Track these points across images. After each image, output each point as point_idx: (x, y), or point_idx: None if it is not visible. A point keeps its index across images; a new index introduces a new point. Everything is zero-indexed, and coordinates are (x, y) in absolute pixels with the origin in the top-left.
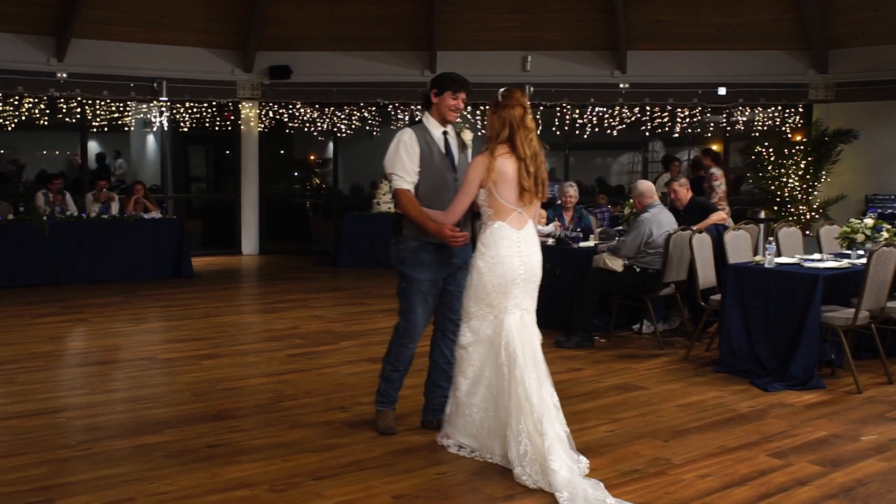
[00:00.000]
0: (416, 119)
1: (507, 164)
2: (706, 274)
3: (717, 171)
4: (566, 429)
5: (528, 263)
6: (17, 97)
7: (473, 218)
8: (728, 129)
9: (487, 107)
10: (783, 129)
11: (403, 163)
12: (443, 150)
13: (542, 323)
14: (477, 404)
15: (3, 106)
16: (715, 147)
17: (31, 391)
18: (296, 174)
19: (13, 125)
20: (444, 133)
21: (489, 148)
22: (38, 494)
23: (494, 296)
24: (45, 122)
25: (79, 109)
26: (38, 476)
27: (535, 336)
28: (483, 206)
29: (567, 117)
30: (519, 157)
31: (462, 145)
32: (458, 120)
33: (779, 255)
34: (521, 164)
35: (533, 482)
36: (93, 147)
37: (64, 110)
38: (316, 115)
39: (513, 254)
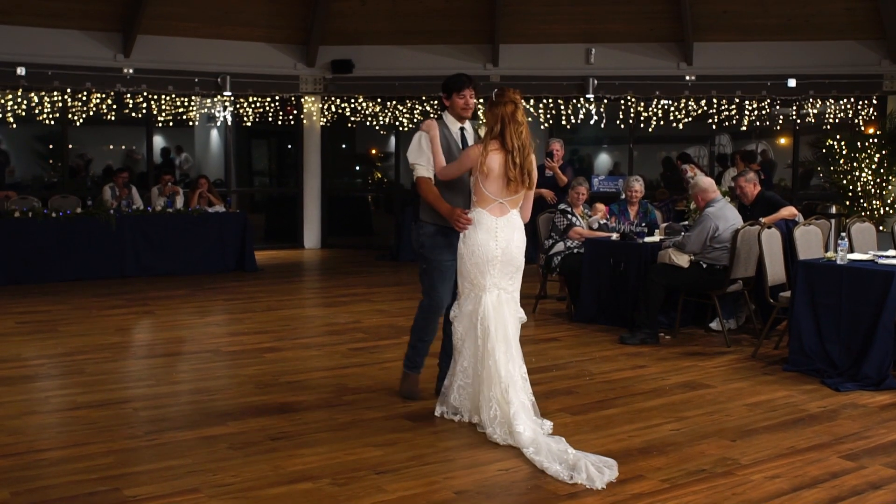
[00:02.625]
0: (438, 115)
1: (495, 160)
2: (775, 270)
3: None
4: (531, 398)
5: (505, 248)
6: (84, 93)
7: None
8: (798, 121)
9: (485, 105)
10: (856, 121)
11: (424, 153)
12: (459, 144)
13: (605, 318)
14: (458, 372)
15: (71, 101)
16: (783, 140)
17: (99, 382)
18: (357, 168)
19: (81, 120)
20: (462, 129)
21: (484, 141)
22: (105, 483)
23: (474, 275)
24: (112, 118)
25: (144, 105)
26: (106, 465)
27: (512, 314)
28: (472, 192)
29: (631, 111)
30: (507, 150)
31: (478, 139)
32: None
33: (851, 251)
34: (508, 156)
35: (503, 440)
36: (158, 142)
37: (130, 105)
38: (378, 109)
39: (489, 238)
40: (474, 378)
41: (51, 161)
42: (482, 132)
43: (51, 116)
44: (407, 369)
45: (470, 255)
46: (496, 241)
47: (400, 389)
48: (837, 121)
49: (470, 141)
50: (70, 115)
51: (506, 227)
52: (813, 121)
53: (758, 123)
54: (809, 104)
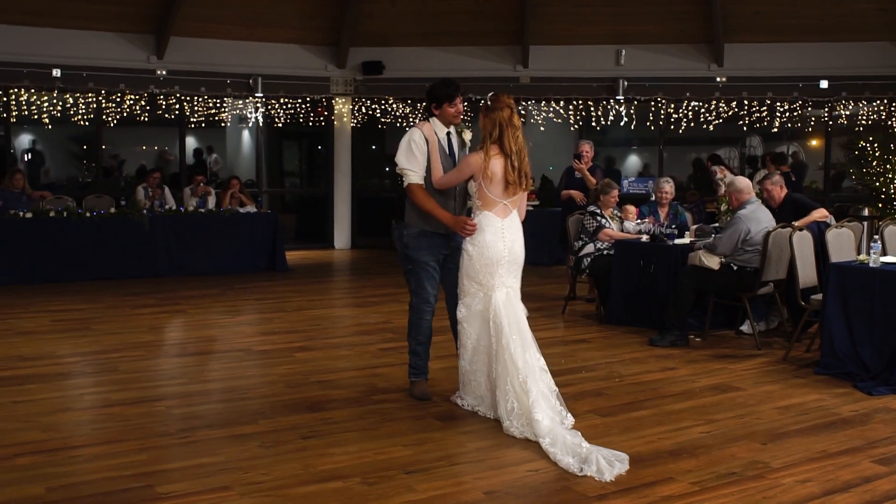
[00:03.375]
0: (426, 118)
1: (497, 165)
2: (807, 273)
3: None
4: (553, 388)
5: (511, 248)
6: (118, 94)
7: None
8: (830, 123)
9: (480, 110)
10: (889, 123)
11: (415, 159)
12: (447, 149)
13: (635, 320)
14: (478, 370)
15: (105, 103)
16: (815, 142)
17: (133, 380)
18: (387, 169)
19: (115, 121)
20: (448, 134)
21: (484, 147)
22: (138, 480)
23: (483, 275)
24: (146, 119)
25: (177, 106)
26: (139, 462)
27: (520, 309)
28: (473, 197)
29: (662, 112)
30: (506, 154)
31: (462, 144)
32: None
33: (884, 253)
34: (507, 161)
35: (520, 433)
36: (190, 143)
37: (163, 107)
38: (408, 111)
39: (497, 239)
40: (490, 374)
41: (85, 161)
42: (466, 137)
43: (85, 117)
44: (413, 377)
45: (479, 257)
46: (504, 241)
47: (413, 394)
48: (870, 122)
49: (456, 146)
50: (104, 116)
51: (510, 227)
52: (845, 122)
53: (789, 125)
54: (841, 105)
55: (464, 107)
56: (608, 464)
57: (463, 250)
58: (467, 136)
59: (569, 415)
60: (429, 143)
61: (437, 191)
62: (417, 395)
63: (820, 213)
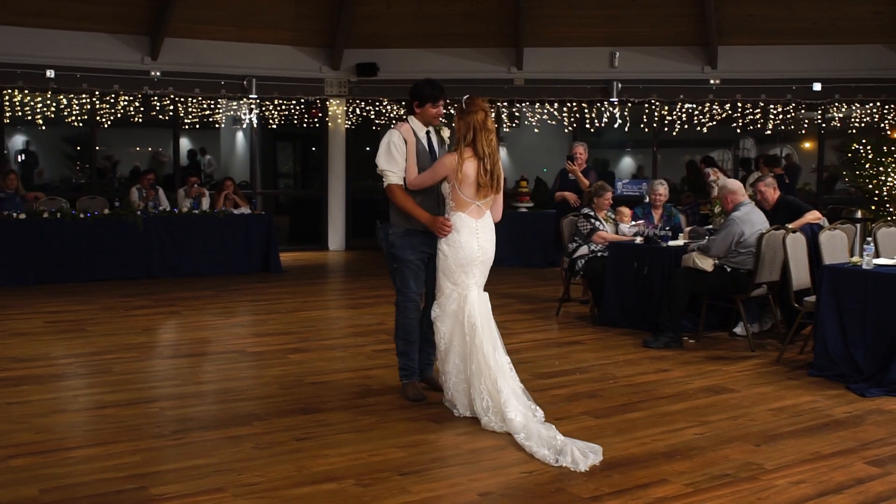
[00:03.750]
0: (404, 118)
1: (470, 167)
2: (800, 275)
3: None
4: (520, 385)
5: (485, 248)
6: (112, 95)
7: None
8: (823, 125)
9: (454, 113)
10: (882, 125)
11: (395, 160)
12: (426, 147)
13: (629, 322)
14: (450, 370)
15: (99, 104)
16: (808, 144)
17: (126, 381)
18: None
19: (109, 122)
20: (428, 133)
21: (458, 149)
22: (132, 482)
23: (458, 274)
24: (140, 120)
25: (171, 107)
26: (133, 464)
27: (489, 308)
28: (447, 198)
29: (656, 114)
30: (479, 157)
31: (441, 141)
32: (443, 120)
33: (877, 255)
34: (480, 163)
35: (499, 427)
36: (184, 144)
37: (157, 108)
38: (402, 112)
39: (472, 239)
40: (464, 373)
41: (79, 163)
42: (444, 134)
43: (79, 118)
44: (404, 379)
45: (454, 257)
46: (478, 241)
47: (406, 396)
48: (863, 125)
49: (436, 145)
50: (98, 117)
51: (484, 228)
52: (838, 125)
53: (782, 127)
54: (835, 108)
55: (444, 110)
56: (582, 455)
57: (439, 250)
58: (446, 133)
59: (538, 409)
60: (407, 144)
61: (419, 191)
62: (410, 397)
63: (812, 216)
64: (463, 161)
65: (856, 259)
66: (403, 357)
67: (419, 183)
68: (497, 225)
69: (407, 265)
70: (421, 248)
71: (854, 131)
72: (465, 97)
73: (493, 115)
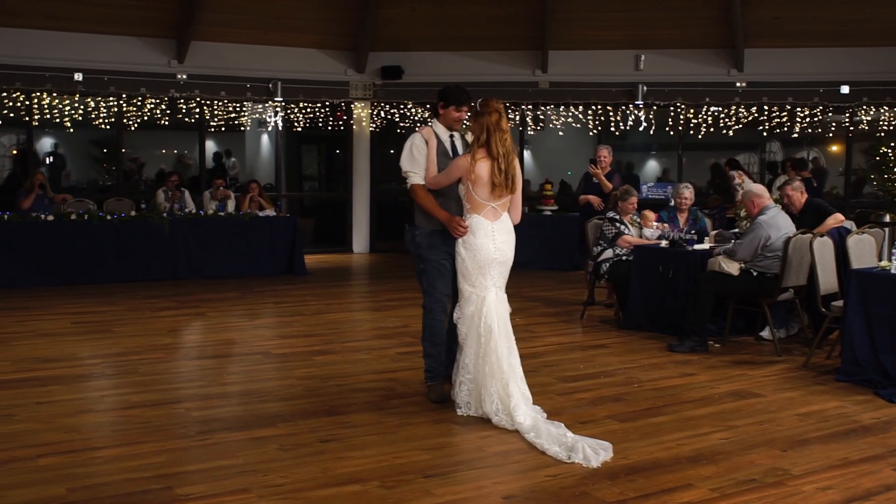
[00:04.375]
0: (429, 122)
1: (483, 168)
2: (827, 279)
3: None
4: (527, 391)
5: (502, 249)
6: (139, 98)
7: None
8: (851, 129)
9: (469, 114)
10: None
11: (417, 161)
12: (449, 151)
13: (654, 326)
14: (462, 369)
15: (126, 106)
16: (836, 148)
17: (152, 382)
18: None
19: (135, 125)
20: (451, 136)
21: (472, 151)
22: (158, 482)
23: (475, 276)
24: (166, 122)
25: (197, 110)
26: (159, 464)
27: (507, 311)
28: (463, 200)
29: (681, 117)
30: (493, 157)
31: (466, 145)
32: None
33: None
34: (493, 163)
35: (510, 426)
36: (210, 146)
37: (183, 111)
38: (426, 115)
39: (488, 241)
40: (476, 374)
41: (105, 165)
42: (469, 138)
43: (106, 121)
44: (429, 381)
45: (471, 258)
46: (494, 243)
47: (430, 398)
48: (891, 128)
49: (460, 148)
50: (125, 120)
51: (501, 230)
52: (866, 128)
53: (809, 130)
54: (862, 111)
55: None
56: (594, 451)
57: (456, 253)
58: (470, 137)
59: (540, 409)
60: (428, 145)
61: (442, 192)
62: (434, 399)
63: (834, 219)
64: (476, 162)
65: (884, 263)
66: (429, 359)
67: (435, 183)
68: (521, 228)
69: (432, 265)
70: (445, 247)
71: (882, 134)
72: (480, 99)
73: (507, 115)
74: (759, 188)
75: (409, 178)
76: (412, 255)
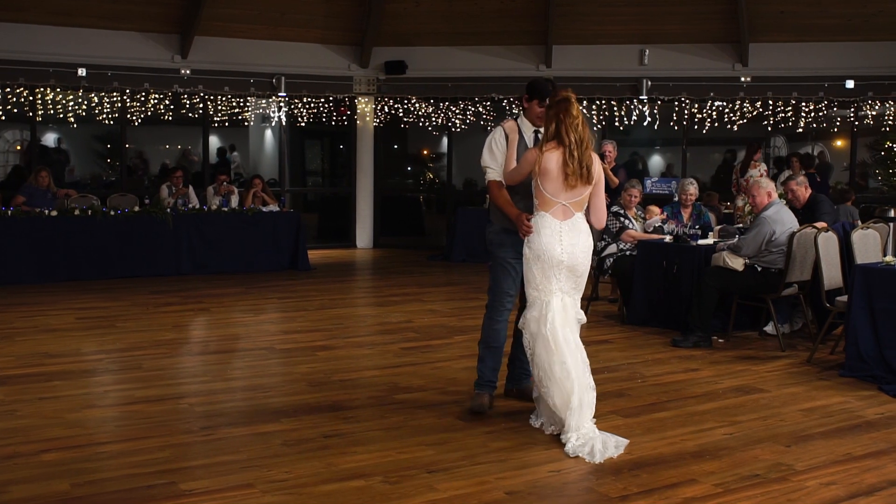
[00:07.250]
0: (515, 115)
1: (551, 160)
2: (832, 274)
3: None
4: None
5: (571, 252)
6: (143, 93)
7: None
8: (856, 123)
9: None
10: None
11: (494, 156)
12: (531, 146)
13: (658, 321)
14: (536, 382)
15: (130, 102)
16: (840, 142)
17: (156, 377)
18: (410, 169)
19: (139, 120)
20: (536, 132)
21: (541, 143)
22: (161, 477)
23: (540, 279)
24: (170, 118)
25: (201, 105)
26: (162, 459)
27: (577, 321)
28: (534, 197)
29: (685, 112)
30: (564, 145)
31: None
32: None
33: None
34: (565, 151)
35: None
36: (213, 142)
37: (187, 106)
38: (430, 110)
39: (554, 242)
40: (544, 384)
41: (109, 160)
42: None
43: (110, 116)
44: (476, 388)
45: (535, 259)
46: (561, 245)
47: (469, 406)
48: None
49: None
50: (128, 115)
51: (570, 231)
52: (871, 122)
53: (814, 125)
54: (868, 106)
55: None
56: (604, 447)
57: (523, 255)
58: None
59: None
60: (509, 139)
61: (514, 189)
62: (470, 408)
63: (821, 226)
64: (543, 154)
65: (889, 258)
66: (479, 363)
67: (508, 178)
68: None
69: (499, 262)
70: (514, 246)
71: (887, 129)
72: (553, 90)
73: (576, 100)
74: (766, 183)
75: (486, 174)
76: (487, 251)
